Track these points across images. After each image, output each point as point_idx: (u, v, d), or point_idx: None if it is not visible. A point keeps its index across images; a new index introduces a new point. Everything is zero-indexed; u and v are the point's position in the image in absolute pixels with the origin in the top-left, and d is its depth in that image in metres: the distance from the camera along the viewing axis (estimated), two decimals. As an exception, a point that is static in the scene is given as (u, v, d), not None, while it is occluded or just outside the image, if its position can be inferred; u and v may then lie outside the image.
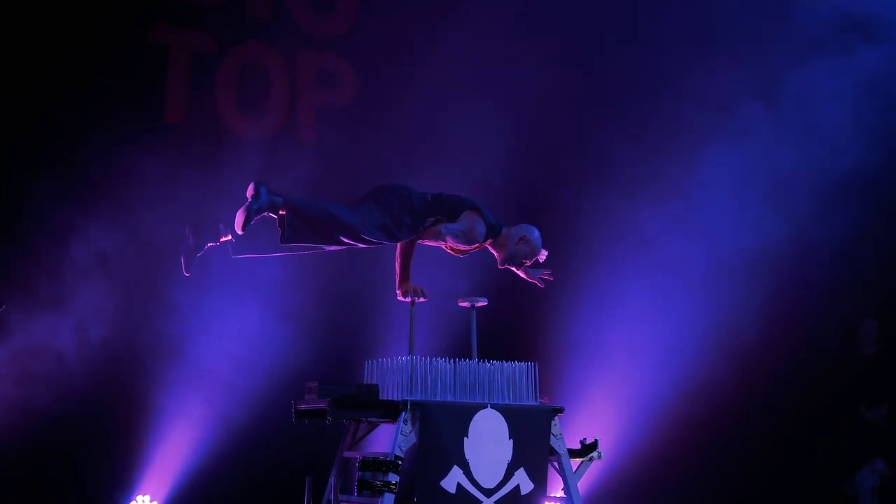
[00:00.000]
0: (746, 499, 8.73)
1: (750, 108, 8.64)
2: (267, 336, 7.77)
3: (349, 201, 5.48)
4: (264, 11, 8.52)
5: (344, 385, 5.22)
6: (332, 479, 5.51)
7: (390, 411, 5.19)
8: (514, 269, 5.78)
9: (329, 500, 5.47)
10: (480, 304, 5.69)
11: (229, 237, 5.31)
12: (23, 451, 7.04)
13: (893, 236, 8.91)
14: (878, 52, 8.65)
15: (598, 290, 8.49)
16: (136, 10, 7.95)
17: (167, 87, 8.09)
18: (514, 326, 8.41)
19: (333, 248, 5.45)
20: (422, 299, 5.58)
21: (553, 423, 5.50)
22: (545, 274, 5.81)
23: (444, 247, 5.66)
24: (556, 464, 5.54)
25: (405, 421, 5.14)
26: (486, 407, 5.35)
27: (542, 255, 5.73)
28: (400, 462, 5.04)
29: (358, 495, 5.11)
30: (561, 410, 5.55)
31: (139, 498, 7.25)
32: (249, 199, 5.16)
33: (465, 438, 5.24)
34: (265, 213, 5.23)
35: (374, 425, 5.55)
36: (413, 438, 5.14)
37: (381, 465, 5.01)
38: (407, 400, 5.17)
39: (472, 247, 5.64)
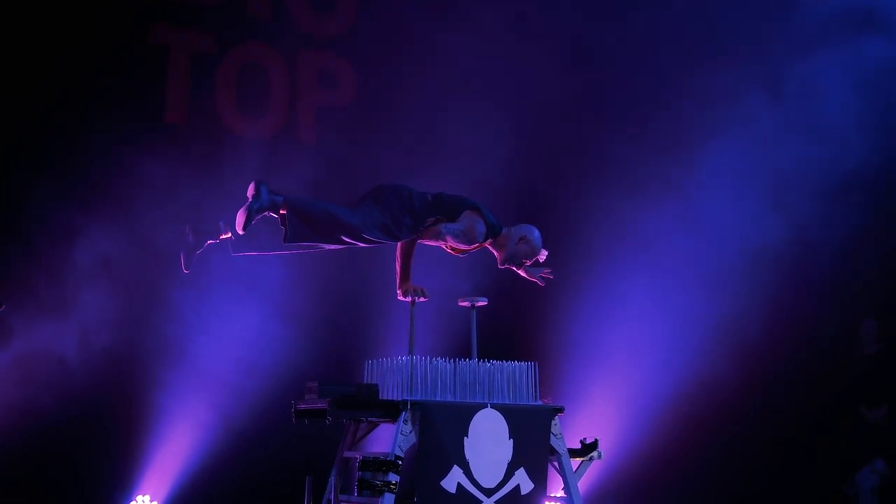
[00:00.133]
0: (746, 499, 8.73)
1: (750, 108, 8.64)
2: (267, 336, 7.78)
3: (349, 201, 5.48)
4: (264, 11, 8.52)
5: (344, 385, 5.22)
6: (332, 479, 5.51)
7: (390, 411, 5.19)
8: (514, 268, 5.78)
9: (329, 500, 5.47)
10: (480, 303, 5.69)
11: (229, 235, 5.31)
12: (23, 451, 7.04)
13: (893, 236, 8.91)
14: (879, 50, 8.65)
15: (598, 289, 8.49)
16: (136, 10, 7.95)
17: (167, 87, 8.09)
18: (514, 326, 8.41)
19: (333, 247, 5.45)
20: (422, 299, 5.58)
21: (553, 422, 5.50)
22: (545, 273, 5.81)
23: (444, 246, 5.66)
24: (556, 463, 5.54)
25: (405, 421, 5.14)
26: (487, 407, 5.34)
27: (543, 255, 5.73)
28: (400, 462, 5.04)
29: (358, 495, 5.11)
30: (561, 410, 5.55)
31: (139, 498, 7.25)
32: (250, 199, 5.16)
33: (465, 438, 5.24)
34: (266, 213, 5.23)
35: (375, 425, 5.55)
36: (413, 438, 5.14)
37: (382, 465, 5.01)
38: (407, 400, 5.17)
39: (473, 246, 5.64)
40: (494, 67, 8.78)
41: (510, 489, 5.30)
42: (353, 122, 8.65)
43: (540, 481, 5.38)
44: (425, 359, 5.30)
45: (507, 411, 5.37)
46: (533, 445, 5.40)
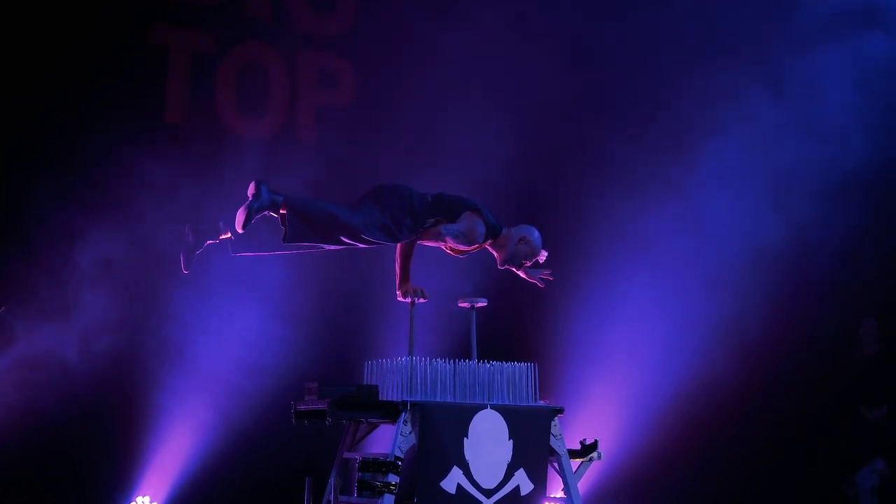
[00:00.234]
0: (746, 499, 8.73)
1: (750, 108, 8.64)
2: (267, 336, 7.77)
3: (349, 201, 5.47)
4: (264, 11, 8.51)
5: (343, 386, 5.22)
6: (331, 480, 5.52)
7: (390, 412, 5.19)
8: (514, 269, 5.77)
9: (329, 501, 5.47)
10: (480, 304, 5.69)
11: (229, 235, 5.30)
12: (23, 451, 7.04)
13: (893, 236, 8.91)
14: (879, 50, 8.65)
15: (598, 290, 8.49)
16: (136, 10, 7.95)
17: (167, 87, 8.09)
18: (513, 327, 8.40)
19: (333, 247, 5.44)
20: (422, 300, 5.58)
21: (553, 423, 5.50)
22: (545, 274, 5.81)
23: (443, 247, 5.65)
24: (555, 464, 5.54)
25: (405, 422, 5.14)
26: (486, 407, 5.35)
27: (542, 256, 5.72)
28: (400, 463, 5.04)
29: (358, 496, 5.11)
30: (561, 411, 5.55)
31: (139, 499, 7.25)
32: (250, 198, 5.15)
33: (465, 439, 5.24)
34: (266, 212, 5.22)
35: (374, 426, 5.55)
36: (413, 439, 5.14)
37: (381, 465, 5.01)
38: (407, 401, 5.17)
39: (472, 247, 5.63)
40: (494, 67, 8.77)
41: (510, 490, 5.30)
42: (353, 122, 8.64)
43: (540, 482, 5.39)
44: (425, 360, 5.31)
45: (507, 412, 5.37)
46: (533, 446, 5.41)
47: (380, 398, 5.28)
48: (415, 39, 8.56)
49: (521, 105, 8.70)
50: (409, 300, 5.59)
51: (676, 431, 8.36)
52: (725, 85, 8.56)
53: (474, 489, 5.22)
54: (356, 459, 5.22)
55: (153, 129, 7.91)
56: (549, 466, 5.50)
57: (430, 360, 5.32)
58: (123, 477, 7.30)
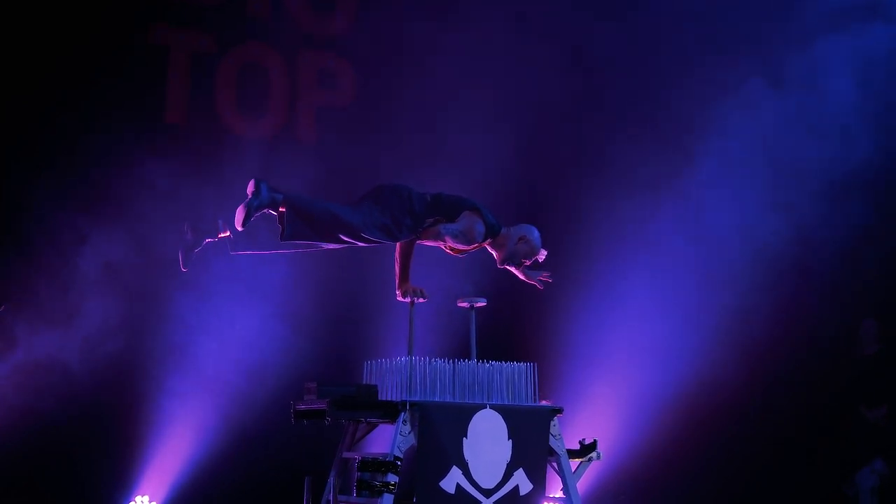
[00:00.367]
0: (746, 499, 8.73)
1: (750, 108, 8.63)
2: (266, 336, 7.77)
3: (349, 201, 5.47)
4: (264, 11, 8.52)
5: (343, 385, 5.21)
6: (331, 480, 5.52)
7: (389, 412, 5.19)
8: (513, 269, 5.77)
9: (328, 501, 5.47)
10: (479, 304, 5.69)
11: (228, 233, 5.29)
12: (22, 451, 7.04)
13: (893, 236, 8.91)
14: (880, 50, 8.65)
15: (598, 290, 8.49)
16: (136, 10, 7.96)
17: (167, 87, 8.09)
18: (513, 327, 8.40)
19: (332, 246, 5.43)
20: (421, 300, 5.58)
21: (552, 423, 5.50)
22: (544, 276, 5.80)
23: (443, 247, 5.65)
24: (555, 464, 5.54)
25: (404, 421, 5.14)
26: (486, 407, 5.35)
27: (542, 255, 5.72)
28: (399, 463, 5.04)
29: (357, 496, 5.11)
30: (560, 411, 5.55)
31: (138, 498, 7.25)
32: (250, 196, 5.15)
33: (465, 439, 5.24)
34: (265, 210, 5.22)
35: (374, 426, 5.55)
36: (412, 439, 5.14)
37: (380, 465, 5.01)
38: (406, 400, 5.17)
39: (472, 247, 5.63)
40: (494, 67, 8.77)
41: (509, 490, 5.30)
42: (353, 122, 8.65)
43: (539, 482, 5.39)
44: (424, 359, 5.31)
45: (506, 412, 5.37)
46: (532, 446, 5.41)
47: (379, 398, 5.28)
48: (415, 39, 8.56)
49: (521, 105, 8.70)
50: (408, 300, 5.59)
51: (676, 431, 8.36)
52: (725, 84, 8.57)
53: (473, 489, 5.22)
54: (355, 459, 5.22)
55: (153, 129, 7.92)
56: (549, 466, 5.50)
57: (430, 359, 5.32)
58: (123, 476, 7.31)
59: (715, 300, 8.53)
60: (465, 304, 5.71)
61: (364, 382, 5.41)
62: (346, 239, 5.36)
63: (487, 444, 5.28)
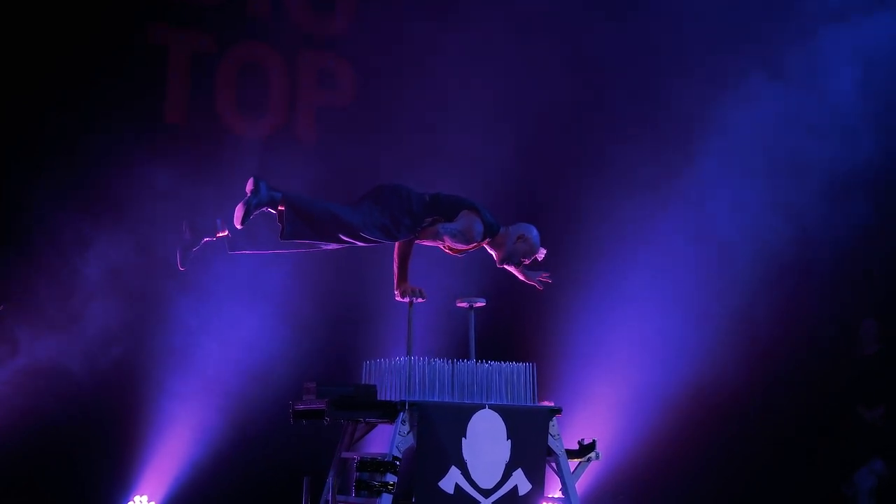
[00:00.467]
0: (746, 499, 8.73)
1: (750, 107, 8.63)
2: (266, 336, 7.77)
3: (349, 201, 5.47)
4: (264, 11, 8.52)
5: (342, 385, 5.22)
6: (329, 480, 5.51)
7: (388, 412, 5.19)
8: (512, 269, 5.77)
9: (327, 501, 5.47)
10: (479, 304, 5.68)
11: (226, 232, 5.29)
12: (22, 451, 7.04)
13: (893, 236, 8.90)
14: (881, 50, 8.64)
15: (598, 290, 8.49)
16: (135, 10, 7.96)
17: (167, 87, 8.09)
18: (512, 327, 8.40)
19: (331, 246, 5.43)
20: (420, 300, 5.58)
21: (551, 423, 5.49)
22: (544, 276, 5.80)
23: (441, 246, 5.65)
24: (553, 464, 5.54)
25: (403, 421, 5.14)
26: (485, 407, 5.35)
27: (541, 254, 5.71)
28: (398, 463, 5.04)
29: (356, 496, 5.11)
30: (559, 411, 5.55)
31: (137, 498, 7.25)
32: (249, 194, 5.15)
33: (464, 439, 5.24)
34: (264, 208, 5.21)
35: (372, 426, 5.54)
36: (411, 439, 5.14)
37: (379, 465, 5.01)
38: (405, 400, 5.17)
39: (471, 246, 5.63)
40: (494, 67, 8.77)
41: (508, 490, 5.30)
42: (353, 122, 8.65)
43: (538, 482, 5.38)
44: (423, 359, 5.30)
45: (505, 412, 5.37)
46: (531, 446, 5.41)
47: (378, 398, 5.28)
48: (415, 39, 8.56)
49: (521, 105, 8.70)
50: (407, 300, 5.58)
51: (676, 431, 8.36)
52: (726, 83, 8.56)
53: (472, 489, 5.22)
54: (354, 459, 5.22)
55: (153, 129, 7.92)
56: (547, 466, 5.50)
57: (429, 359, 5.32)
58: (122, 476, 7.30)
59: (715, 300, 8.53)
60: (464, 305, 5.71)
61: (363, 382, 5.40)
62: (345, 238, 5.36)
63: (486, 445, 5.28)
